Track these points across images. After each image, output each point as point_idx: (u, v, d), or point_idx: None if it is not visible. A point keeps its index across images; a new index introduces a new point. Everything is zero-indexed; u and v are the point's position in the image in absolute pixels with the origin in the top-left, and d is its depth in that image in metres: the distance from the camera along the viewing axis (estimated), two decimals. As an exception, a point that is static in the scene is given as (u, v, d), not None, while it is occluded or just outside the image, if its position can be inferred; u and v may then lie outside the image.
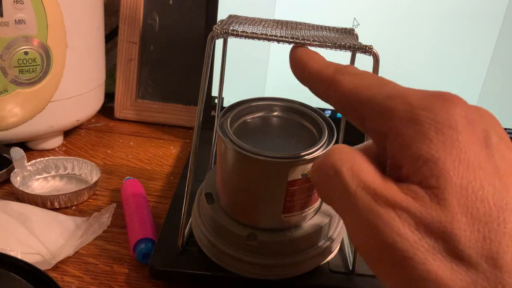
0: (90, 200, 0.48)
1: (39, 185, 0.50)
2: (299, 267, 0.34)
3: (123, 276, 0.38)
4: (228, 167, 0.33)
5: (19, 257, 0.30)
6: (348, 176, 0.20)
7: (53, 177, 0.52)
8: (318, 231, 0.34)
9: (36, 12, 0.48)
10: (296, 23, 0.34)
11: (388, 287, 0.19)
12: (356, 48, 0.28)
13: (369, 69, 0.30)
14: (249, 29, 0.29)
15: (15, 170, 0.49)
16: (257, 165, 0.31)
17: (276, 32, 0.29)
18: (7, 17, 0.46)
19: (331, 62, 0.25)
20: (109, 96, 0.67)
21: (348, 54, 0.33)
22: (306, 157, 0.30)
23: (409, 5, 0.55)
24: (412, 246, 0.18)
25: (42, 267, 0.34)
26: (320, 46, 0.28)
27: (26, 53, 0.48)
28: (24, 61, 0.49)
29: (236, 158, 0.31)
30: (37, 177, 0.51)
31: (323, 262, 0.36)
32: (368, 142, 0.24)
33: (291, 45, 0.28)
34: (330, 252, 0.36)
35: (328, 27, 0.34)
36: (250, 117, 0.35)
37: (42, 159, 0.51)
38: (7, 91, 0.49)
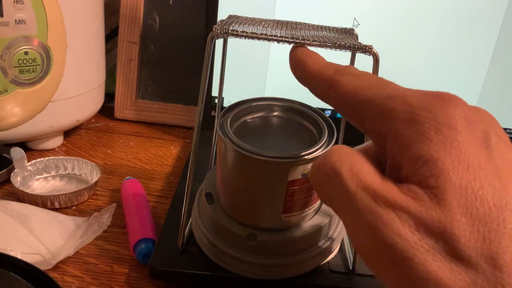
0: (90, 200, 0.48)
1: (39, 185, 0.50)
2: (299, 267, 0.34)
3: (123, 276, 0.38)
4: (228, 167, 0.33)
5: (19, 257, 0.30)
6: (348, 177, 0.20)
7: (53, 177, 0.52)
8: (318, 231, 0.34)
9: (36, 12, 0.48)
10: (296, 23, 0.34)
11: (388, 287, 0.19)
12: (356, 48, 0.28)
13: (369, 69, 0.30)
14: (249, 29, 0.29)
15: (15, 170, 0.49)
16: (257, 165, 0.31)
17: (276, 32, 0.29)
18: (7, 17, 0.46)
19: (331, 63, 0.25)
20: (109, 96, 0.67)
21: (348, 54, 0.33)
22: (306, 157, 0.30)
23: (409, 5, 0.55)
24: (412, 246, 0.18)
25: (42, 267, 0.34)
26: (320, 46, 0.28)
27: (26, 53, 0.48)
28: (24, 61, 0.49)
29: (236, 158, 0.31)
30: (37, 177, 0.51)
31: (323, 262, 0.36)
32: (368, 143, 0.24)
33: (291, 45, 0.28)
34: (330, 252, 0.36)
35: (328, 27, 0.34)
36: (250, 117, 0.35)
37: (42, 159, 0.51)
38: (7, 91, 0.49)
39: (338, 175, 0.21)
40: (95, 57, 0.59)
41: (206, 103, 0.58)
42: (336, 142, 0.32)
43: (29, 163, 0.50)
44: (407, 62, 0.57)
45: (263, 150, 0.30)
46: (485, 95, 0.58)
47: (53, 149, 0.58)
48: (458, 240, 0.17)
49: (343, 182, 0.20)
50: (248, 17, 0.33)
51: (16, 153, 0.49)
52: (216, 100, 0.58)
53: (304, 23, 0.33)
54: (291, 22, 0.34)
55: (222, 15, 0.56)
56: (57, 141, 0.58)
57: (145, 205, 0.45)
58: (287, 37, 0.28)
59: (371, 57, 0.29)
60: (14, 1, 0.46)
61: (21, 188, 0.47)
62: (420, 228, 0.18)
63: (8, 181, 0.49)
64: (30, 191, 0.48)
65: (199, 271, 0.36)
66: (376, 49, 0.29)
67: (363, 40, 0.30)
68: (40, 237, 0.39)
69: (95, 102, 0.61)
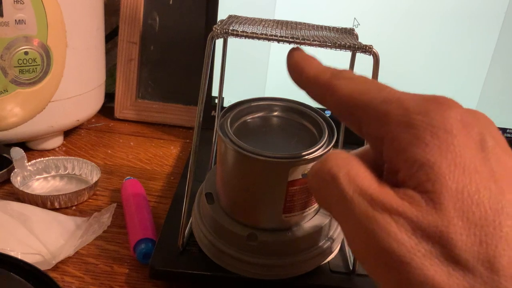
0: (90, 200, 0.48)
1: (39, 185, 0.50)
2: (300, 267, 0.34)
3: (123, 276, 0.38)
4: (228, 167, 0.33)
5: (19, 257, 0.30)
6: (345, 182, 0.20)
7: (53, 177, 0.52)
8: (319, 231, 0.34)
9: (36, 12, 0.48)
10: (296, 23, 0.34)
11: None
12: (356, 47, 0.28)
13: (369, 69, 0.30)
14: (249, 29, 0.29)
15: (15, 170, 0.49)
16: (257, 165, 0.31)
17: (276, 32, 0.29)
18: (7, 17, 0.46)
19: (327, 67, 0.25)
20: (109, 96, 0.67)
21: (348, 54, 0.33)
22: (306, 157, 0.30)
23: (409, 5, 0.55)
24: (409, 251, 0.18)
25: (42, 267, 0.34)
26: (320, 46, 0.28)
27: (26, 53, 0.48)
28: (24, 61, 0.49)
29: (236, 158, 0.31)
30: (37, 177, 0.51)
31: (323, 262, 0.36)
32: (365, 147, 0.24)
33: (291, 45, 0.28)
34: (331, 252, 0.36)
35: (328, 27, 0.34)
36: (250, 117, 0.35)
37: (42, 159, 0.51)
38: (7, 91, 0.49)
39: (335, 180, 0.21)
40: (95, 57, 0.59)
41: (206, 103, 0.58)
42: (336, 142, 0.32)
43: (29, 163, 0.50)
44: (407, 62, 0.57)
45: (263, 150, 0.30)
46: (485, 95, 0.58)
47: (53, 149, 0.58)
48: (455, 244, 0.17)
49: (340, 187, 0.20)
50: (248, 17, 0.33)
51: (16, 153, 0.49)
52: (216, 100, 0.58)
53: (304, 23, 0.33)
54: (291, 22, 0.34)
55: (222, 15, 0.56)
56: (57, 141, 0.58)
57: (145, 205, 0.45)
58: (287, 37, 0.28)
59: (371, 57, 0.29)
60: (14, 1, 0.46)
61: (21, 188, 0.47)
62: (417, 233, 0.18)
63: (8, 181, 0.49)
64: (30, 191, 0.48)
65: (199, 271, 0.36)
66: (376, 49, 0.29)
67: (363, 40, 0.30)
68: (40, 237, 0.39)
69: (95, 102, 0.61)
